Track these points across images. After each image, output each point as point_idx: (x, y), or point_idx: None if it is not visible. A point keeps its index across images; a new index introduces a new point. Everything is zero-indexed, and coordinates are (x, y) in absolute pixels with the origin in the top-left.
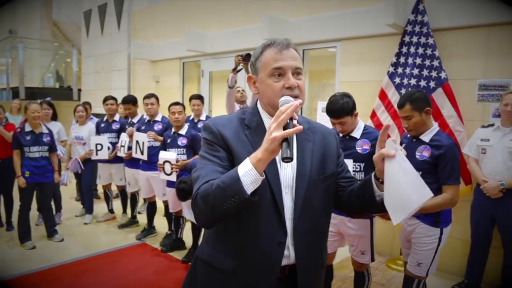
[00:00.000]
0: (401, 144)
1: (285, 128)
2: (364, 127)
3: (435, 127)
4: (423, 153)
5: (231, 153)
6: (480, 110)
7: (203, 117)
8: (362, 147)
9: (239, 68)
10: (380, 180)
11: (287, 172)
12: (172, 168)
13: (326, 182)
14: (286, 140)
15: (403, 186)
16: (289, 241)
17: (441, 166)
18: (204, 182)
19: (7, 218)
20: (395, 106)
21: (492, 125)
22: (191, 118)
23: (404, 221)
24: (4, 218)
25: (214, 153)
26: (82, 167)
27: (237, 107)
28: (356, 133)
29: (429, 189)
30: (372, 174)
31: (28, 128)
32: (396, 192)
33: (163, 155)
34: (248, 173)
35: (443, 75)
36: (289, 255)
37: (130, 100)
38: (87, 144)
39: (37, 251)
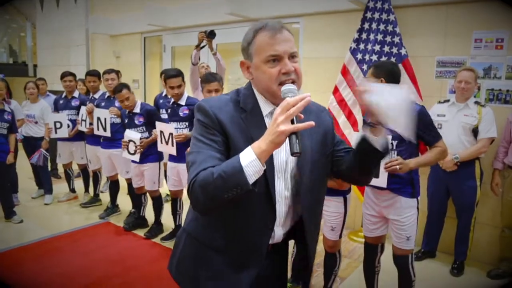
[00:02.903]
0: (365, 122)
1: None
2: None
3: None
4: None
5: (227, 138)
6: (438, 87)
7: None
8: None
9: (202, 44)
10: (371, 123)
11: (281, 157)
12: (136, 147)
13: (325, 161)
14: (294, 133)
15: (389, 101)
16: (277, 223)
17: (421, 132)
18: (202, 169)
19: None
20: (357, 82)
21: (448, 100)
22: (163, 94)
23: (374, 195)
24: None
25: (211, 136)
26: (46, 158)
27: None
28: None
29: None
30: (362, 130)
31: None
32: (388, 110)
33: (128, 134)
34: (251, 164)
35: (403, 51)
36: (274, 235)
37: (95, 73)
38: (39, 123)
39: None
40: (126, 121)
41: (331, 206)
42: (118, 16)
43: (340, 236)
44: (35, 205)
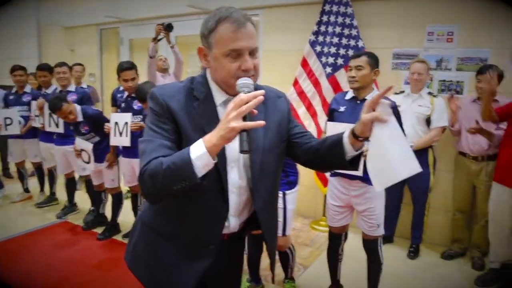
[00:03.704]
0: (332, 111)
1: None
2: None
3: (376, 91)
4: None
5: (177, 126)
6: (394, 78)
7: None
8: None
9: (159, 37)
10: (360, 138)
11: (235, 147)
12: (89, 157)
13: (278, 149)
14: (244, 130)
15: (392, 155)
16: (232, 212)
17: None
18: (153, 157)
19: None
20: (317, 74)
21: (403, 91)
22: (120, 88)
23: (343, 185)
24: None
25: (162, 125)
26: None
27: (159, 76)
28: None
29: (418, 163)
30: (347, 132)
31: None
32: (383, 159)
33: (79, 143)
34: (201, 157)
35: (360, 43)
36: (229, 225)
37: (46, 67)
38: None
39: None
40: (72, 128)
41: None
42: (72, 6)
43: (285, 233)
44: None
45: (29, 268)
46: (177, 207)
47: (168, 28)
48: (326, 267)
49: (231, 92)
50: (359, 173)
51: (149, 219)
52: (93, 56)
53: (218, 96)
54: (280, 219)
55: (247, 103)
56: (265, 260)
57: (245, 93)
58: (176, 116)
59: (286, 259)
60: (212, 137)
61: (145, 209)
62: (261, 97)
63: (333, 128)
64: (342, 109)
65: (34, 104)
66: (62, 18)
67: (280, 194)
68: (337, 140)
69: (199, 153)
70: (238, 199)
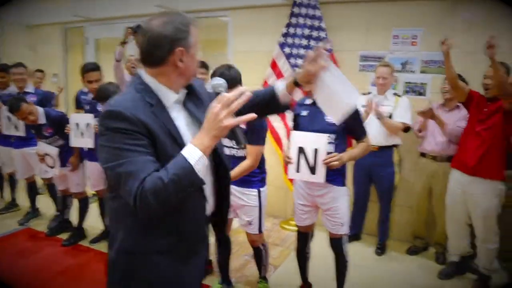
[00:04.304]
0: (295, 116)
1: None
2: None
3: None
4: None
5: (152, 136)
6: (361, 80)
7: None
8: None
9: (128, 40)
10: (298, 83)
11: None
12: (54, 162)
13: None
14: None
15: (338, 90)
16: (207, 200)
17: (352, 125)
18: (145, 176)
19: None
20: (286, 76)
21: (370, 93)
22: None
23: (306, 185)
24: None
25: (136, 142)
26: None
27: (128, 78)
28: None
29: (357, 91)
30: (282, 85)
31: None
32: (332, 96)
33: (43, 148)
34: (199, 161)
35: (328, 46)
36: (207, 213)
37: (2, 67)
38: None
39: None
40: (34, 131)
41: (245, 199)
42: (35, 4)
43: (260, 231)
44: None
45: None
46: (167, 215)
47: (138, 29)
48: (296, 266)
49: (182, 87)
50: (322, 180)
51: (135, 245)
52: (57, 56)
53: (168, 98)
54: (256, 216)
55: (233, 101)
56: (234, 262)
57: (222, 92)
58: (149, 127)
59: (260, 256)
60: (203, 139)
61: (122, 240)
62: (249, 93)
63: (298, 137)
64: (304, 113)
65: None
66: (23, 16)
67: (255, 191)
68: (271, 93)
69: (196, 157)
70: (210, 191)
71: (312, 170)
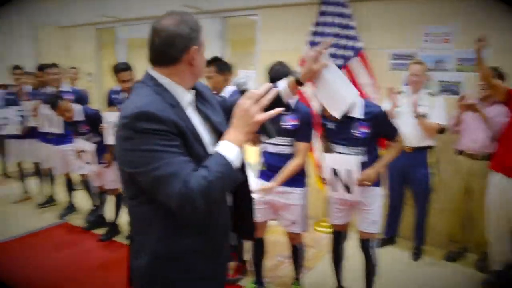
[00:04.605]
0: (323, 125)
1: None
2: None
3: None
4: (361, 129)
5: (184, 137)
6: (392, 79)
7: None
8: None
9: None
10: (298, 80)
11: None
12: (92, 158)
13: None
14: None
15: (338, 87)
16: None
17: (380, 129)
18: (186, 176)
19: None
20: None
21: (401, 92)
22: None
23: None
24: None
25: (170, 143)
26: None
27: None
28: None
29: (356, 88)
30: (284, 84)
31: None
32: (333, 93)
33: (80, 144)
34: (237, 157)
35: (358, 44)
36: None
37: (39, 68)
38: None
39: None
40: (71, 129)
41: (290, 198)
42: (68, 6)
43: (304, 229)
44: None
45: (29, 270)
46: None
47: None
48: (329, 269)
49: (191, 87)
50: (357, 198)
51: (171, 248)
52: (90, 55)
53: (184, 98)
54: (300, 215)
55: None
56: (267, 262)
57: (247, 89)
58: (180, 127)
59: (297, 255)
60: (237, 135)
61: (154, 246)
62: (276, 89)
63: (330, 159)
64: (331, 125)
65: (27, 104)
66: (57, 18)
67: (300, 190)
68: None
69: (234, 154)
70: None
71: (348, 189)
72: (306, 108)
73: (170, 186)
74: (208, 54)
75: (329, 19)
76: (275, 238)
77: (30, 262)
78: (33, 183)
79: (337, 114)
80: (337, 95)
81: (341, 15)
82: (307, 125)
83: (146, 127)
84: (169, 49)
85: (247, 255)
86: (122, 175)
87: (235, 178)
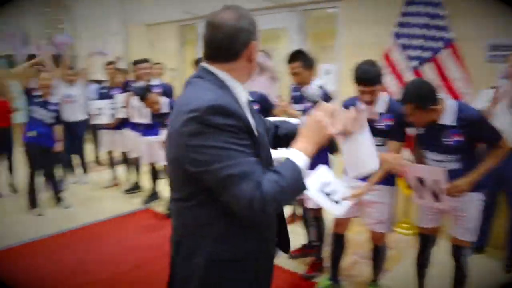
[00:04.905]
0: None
1: None
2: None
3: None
4: (453, 137)
5: (253, 137)
6: (487, 72)
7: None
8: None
9: None
10: None
11: None
12: None
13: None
14: None
15: (363, 152)
16: None
17: (478, 136)
18: (259, 180)
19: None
20: (400, 68)
21: (495, 87)
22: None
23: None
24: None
25: (241, 141)
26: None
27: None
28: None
29: (378, 160)
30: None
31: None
32: (357, 155)
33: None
34: (305, 166)
35: (450, 35)
36: None
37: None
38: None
39: (44, 217)
40: (158, 121)
41: (378, 196)
42: (153, 5)
43: (390, 229)
44: (80, 191)
45: (118, 248)
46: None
47: None
48: (408, 272)
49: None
50: (447, 207)
51: (232, 251)
52: (174, 51)
53: (242, 95)
54: (387, 214)
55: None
56: (342, 260)
57: (317, 100)
58: (249, 126)
59: (379, 256)
60: (308, 145)
61: (211, 249)
62: (356, 111)
63: (414, 169)
64: (420, 131)
65: (119, 97)
66: (144, 16)
67: (390, 188)
68: (295, 130)
69: (303, 163)
70: None
71: (436, 197)
72: (401, 107)
73: (240, 187)
74: (289, 48)
75: (417, 8)
76: (353, 235)
77: (116, 242)
78: (121, 171)
79: (351, 174)
80: (360, 159)
81: (429, 3)
82: (401, 125)
83: (218, 122)
84: (232, 44)
85: (325, 252)
86: (178, 175)
87: (303, 187)
